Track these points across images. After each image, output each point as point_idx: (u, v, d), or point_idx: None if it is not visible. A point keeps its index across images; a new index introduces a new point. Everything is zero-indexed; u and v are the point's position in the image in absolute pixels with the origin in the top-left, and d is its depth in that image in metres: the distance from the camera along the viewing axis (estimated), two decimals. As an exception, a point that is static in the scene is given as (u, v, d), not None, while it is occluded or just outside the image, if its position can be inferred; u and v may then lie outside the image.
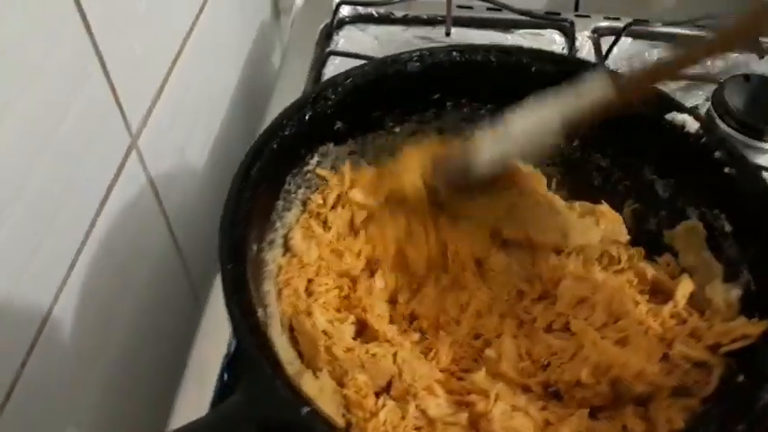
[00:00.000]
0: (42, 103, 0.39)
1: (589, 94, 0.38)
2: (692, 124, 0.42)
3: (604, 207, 0.46)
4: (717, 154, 0.40)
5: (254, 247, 0.37)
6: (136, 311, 0.57)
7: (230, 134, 0.72)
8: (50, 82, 0.39)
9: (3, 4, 0.34)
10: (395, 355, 0.37)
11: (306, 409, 0.28)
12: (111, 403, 0.54)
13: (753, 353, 0.35)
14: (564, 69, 0.44)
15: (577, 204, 0.47)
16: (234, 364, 0.49)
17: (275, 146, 0.39)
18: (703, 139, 0.41)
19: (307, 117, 0.41)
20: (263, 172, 0.38)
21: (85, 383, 0.50)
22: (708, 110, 0.65)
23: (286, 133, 0.40)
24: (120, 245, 0.52)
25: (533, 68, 0.45)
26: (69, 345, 0.47)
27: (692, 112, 0.42)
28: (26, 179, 0.38)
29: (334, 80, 0.42)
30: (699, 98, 0.67)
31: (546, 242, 0.44)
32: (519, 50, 0.45)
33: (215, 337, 0.51)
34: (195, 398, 0.47)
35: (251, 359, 0.30)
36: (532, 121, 0.40)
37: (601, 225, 0.45)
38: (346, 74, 0.43)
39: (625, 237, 0.45)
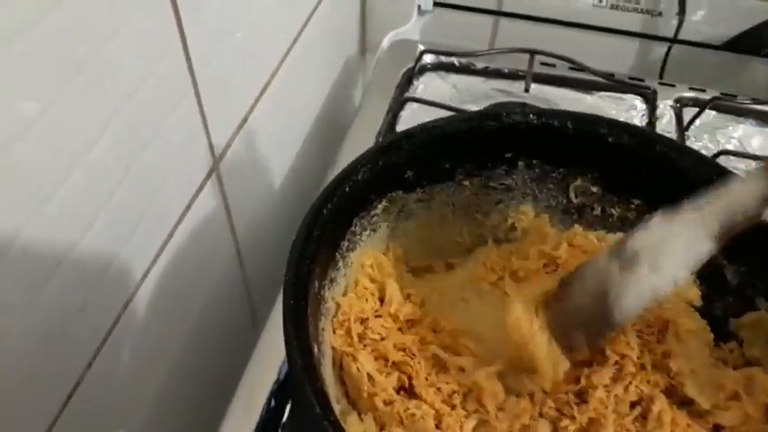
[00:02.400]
0: (136, 120, 0.42)
1: (740, 199, 0.33)
2: (768, 214, 0.41)
3: None
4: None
5: (317, 284, 0.38)
6: (196, 329, 0.59)
7: (304, 166, 0.74)
8: (145, 101, 0.42)
9: (107, 23, 0.36)
10: (439, 418, 0.38)
11: (348, 453, 0.29)
12: (161, 419, 0.56)
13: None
14: (640, 142, 0.45)
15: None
16: (282, 392, 0.50)
17: (347, 189, 0.40)
18: (780, 230, 0.40)
19: (380, 164, 0.42)
20: (333, 213, 0.39)
21: (138, 396, 0.52)
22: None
23: (359, 178, 0.41)
24: (189, 263, 0.54)
25: (610, 139, 0.45)
26: (130, 355, 0.49)
27: None
28: (112, 192, 0.41)
29: (410, 132, 0.44)
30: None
31: None
32: (596, 119, 0.45)
33: (268, 362, 0.52)
34: (242, 422, 0.48)
35: (301, 397, 0.31)
36: (683, 242, 0.34)
37: None
38: (422, 126, 0.44)
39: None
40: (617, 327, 0.37)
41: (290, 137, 0.72)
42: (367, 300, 0.43)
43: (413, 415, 0.37)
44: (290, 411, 0.47)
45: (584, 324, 0.37)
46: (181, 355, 0.57)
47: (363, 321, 0.42)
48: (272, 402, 0.49)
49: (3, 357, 0.35)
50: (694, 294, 0.45)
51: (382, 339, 0.40)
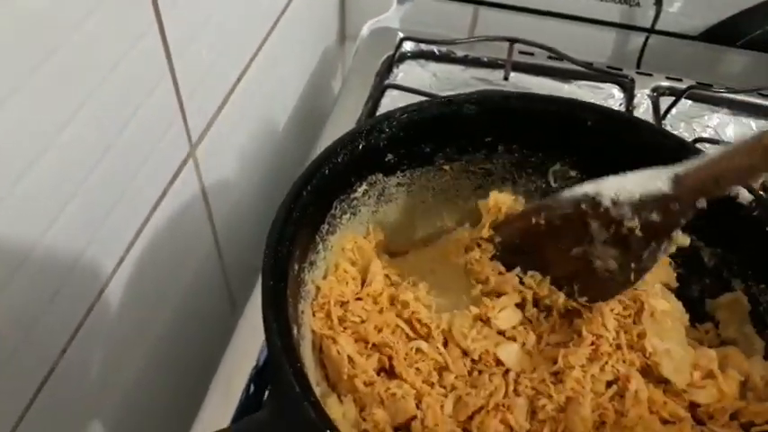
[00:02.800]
0: (112, 103, 0.41)
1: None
2: (745, 196, 0.41)
3: None
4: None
5: (296, 267, 0.38)
6: (174, 313, 0.58)
7: (284, 153, 0.74)
8: (121, 84, 0.41)
9: (81, 5, 0.36)
10: (420, 397, 0.38)
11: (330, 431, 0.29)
12: (138, 403, 0.56)
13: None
14: (619, 126, 0.45)
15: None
16: (261, 378, 0.49)
17: (327, 171, 0.40)
18: (755, 213, 0.40)
19: (360, 147, 0.42)
20: (312, 195, 0.39)
21: (114, 382, 0.52)
22: (765, 181, 0.64)
23: (338, 160, 0.41)
24: (166, 248, 0.53)
25: (589, 122, 0.45)
26: (108, 339, 0.48)
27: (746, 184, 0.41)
28: (88, 175, 0.40)
29: (390, 114, 0.43)
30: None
31: None
32: (574, 104, 0.45)
33: (246, 348, 0.52)
34: (220, 406, 0.48)
35: (281, 378, 0.30)
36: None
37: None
38: (403, 109, 0.44)
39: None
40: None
41: (269, 124, 0.71)
42: (347, 283, 0.42)
43: (393, 395, 0.37)
44: (269, 394, 0.47)
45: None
46: (158, 342, 0.57)
47: (344, 305, 0.41)
48: (251, 388, 0.49)
49: None
50: (670, 276, 0.45)
51: (363, 322, 0.40)
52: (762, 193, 0.41)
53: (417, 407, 0.37)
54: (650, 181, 0.38)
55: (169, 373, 0.60)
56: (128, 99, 0.43)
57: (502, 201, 0.46)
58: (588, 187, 0.40)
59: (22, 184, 0.35)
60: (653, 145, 0.44)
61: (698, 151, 0.42)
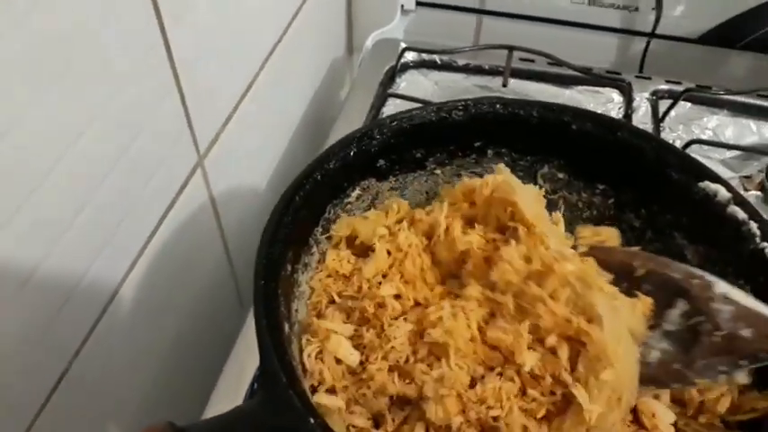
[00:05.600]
0: (121, 116, 0.43)
1: None
2: (724, 194, 0.42)
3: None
4: (745, 227, 0.41)
5: (289, 268, 0.40)
6: (185, 316, 0.61)
7: (291, 161, 0.76)
8: (130, 98, 0.44)
9: (93, 20, 0.38)
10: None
11: (313, 420, 0.31)
12: (152, 399, 0.58)
13: (760, 426, 0.35)
14: (602, 129, 0.47)
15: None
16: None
17: (319, 176, 0.42)
18: (732, 211, 0.42)
19: (352, 153, 0.44)
20: (305, 199, 0.41)
21: (131, 377, 0.54)
22: (761, 180, 0.65)
23: (331, 166, 0.43)
24: (176, 254, 0.56)
25: (574, 126, 0.47)
26: (120, 341, 0.51)
27: (724, 182, 0.42)
28: (99, 185, 0.43)
29: (381, 121, 0.46)
30: (753, 168, 0.67)
31: None
32: (560, 108, 0.47)
33: (253, 347, 0.54)
34: (228, 401, 0.50)
35: (270, 369, 0.33)
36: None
37: None
38: (393, 116, 0.46)
39: None
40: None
41: (276, 134, 0.74)
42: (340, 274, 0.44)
43: (364, 395, 0.38)
44: (259, 385, 0.49)
45: None
46: (169, 346, 0.59)
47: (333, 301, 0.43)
48: (255, 386, 0.51)
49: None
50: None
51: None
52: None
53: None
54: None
55: (182, 375, 0.63)
56: (137, 112, 0.45)
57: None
58: (710, 276, 0.38)
59: (37, 195, 0.37)
60: (635, 146, 0.45)
61: (677, 151, 0.44)
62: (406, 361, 0.39)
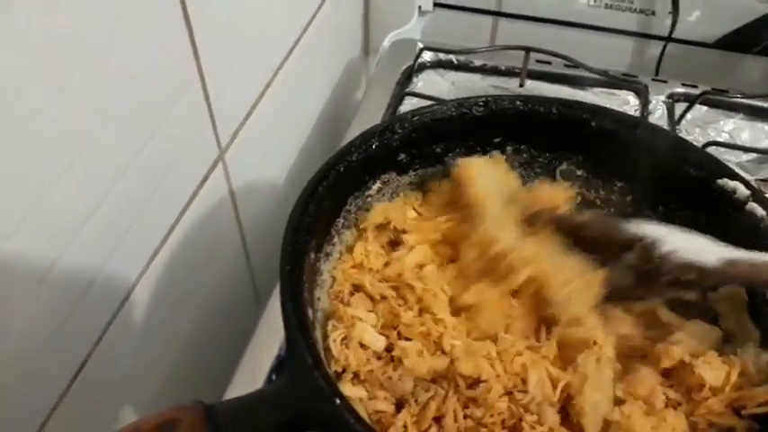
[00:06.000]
0: (144, 108, 0.44)
1: None
2: (742, 191, 0.43)
3: None
4: (763, 224, 0.41)
5: (312, 256, 0.41)
6: (202, 309, 0.62)
7: (308, 158, 0.77)
8: (153, 90, 0.44)
9: (119, 17, 0.39)
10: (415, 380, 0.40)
11: (339, 400, 0.32)
12: (169, 389, 0.59)
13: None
14: (621, 126, 0.47)
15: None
16: (282, 368, 0.52)
17: (342, 169, 0.43)
18: (753, 209, 0.42)
19: (374, 146, 0.45)
20: (328, 190, 0.42)
21: (149, 367, 0.55)
22: (778, 183, 0.65)
23: (353, 158, 0.44)
24: (196, 246, 0.57)
25: (593, 123, 0.47)
26: (139, 331, 0.51)
27: (743, 179, 0.43)
28: (121, 177, 0.44)
29: (403, 116, 0.46)
30: (769, 171, 0.67)
31: None
32: (579, 105, 0.47)
33: (269, 340, 0.55)
34: (245, 391, 0.50)
35: (295, 351, 0.33)
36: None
37: None
38: (414, 111, 0.47)
39: None
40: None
41: (294, 132, 0.75)
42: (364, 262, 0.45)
43: (390, 378, 0.39)
44: (284, 367, 0.50)
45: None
46: (186, 337, 0.60)
47: (356, 290, 0.44)
48: (273, 377, 0.52)
49: (19, 332, 0.38)
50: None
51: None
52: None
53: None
54: (705, 253, 0.40)
55: (200, 365, 0.63)
56: (159, 106, 0.46)
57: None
58: (650, 230, 0.42)
59: (60, 185, 0.38)
60: (654, 144, 0.46)
61: (695, 149, 0.44)
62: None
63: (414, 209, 0.49)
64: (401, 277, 0.43)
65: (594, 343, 0.40)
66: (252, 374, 0.53)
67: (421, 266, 0.45)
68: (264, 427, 0.32)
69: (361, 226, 0.47)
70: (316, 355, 0.33)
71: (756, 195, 0.42)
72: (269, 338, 0.55)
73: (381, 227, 0.47)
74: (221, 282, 0.64)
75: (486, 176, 0.46)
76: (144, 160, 0.46)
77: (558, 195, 0.47)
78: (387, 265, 0.45)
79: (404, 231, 0.46)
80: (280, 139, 0.70)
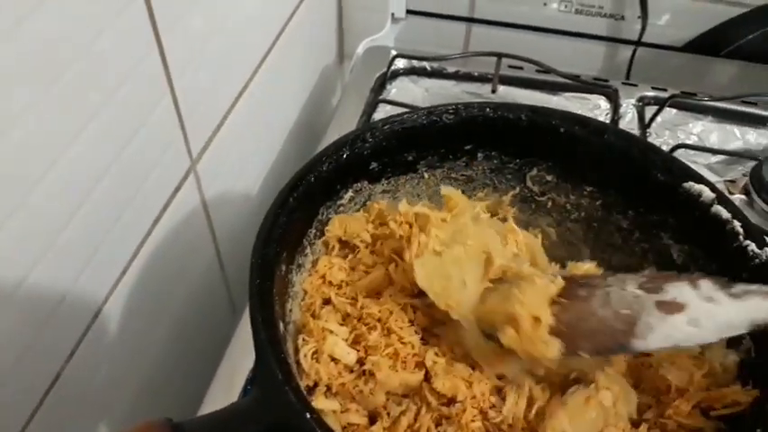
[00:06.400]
0: (115, 121, 0.44)
1: None
2: (708, 194, 0.43)
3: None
4: (729, 226, 0.42)
5: (284, 268, 0.40)
6: (177, 320, 0.61)
7: (283, 166, 0.77)
8: (124, 103, 0.44)
9: (85, 31, 0.39)
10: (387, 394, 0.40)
11: (309, 415, 0.31)
12: (144, 402, 0.58)
13: (743, 420, 0.36)
14: (589, 132, 0.48)
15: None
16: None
17: (312, 179, 0.43)
18: (716, 211, 0.43)
19: (345, 156, 0.45)
20: (299, 201, 0.42)
21: (123, 381, 0.54)
22: (745, 184, 0.66)
23: (324, 168, 0.44)
24: (169, 258, 0.56)
25: (561, 129, 0.48)
26: (112, 345, 0.51)
27: (708, 183, 0.43)
28: (92, 189, 0.43)
29: (373, 125, 0.46)
30: (737, 172, 0.68)
31: None
32: (547, 111, 0.48)
33: (245, 351, 0.54)
34: (221, 404, 0.50)
35: (266, 366, 0.33)
36: (728, 318, 0.34)
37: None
38: (385, 120, 0.47)
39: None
40: (632, 352, 0.38)
41: (268, 140, 0.74)
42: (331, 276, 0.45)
43: (361, 392, 0.39)
44: (254, 383, 0.49)
45: (593, 333, 0.37)
46: (161, 348, 0.59)
47: (327, 302, 0.44)
48: (249, 388, 0.51)
49: None
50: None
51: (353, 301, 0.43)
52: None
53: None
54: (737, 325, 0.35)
55: (175, 376, 0.63)
56: (130, 117, 0.46)
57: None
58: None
59: (28, 202, 0.37)
60: (622, 149, 0.47)
61: (662, 153, 0.45)
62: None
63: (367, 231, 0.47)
64: (356, 303, 0.43)
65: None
66: (228, 386, 0.52)
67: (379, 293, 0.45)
68: (234, 443, 0.31)
69: (323, 238, 0.46)
70: (287, 371, 0.33)
71: (721, 198, 0.43)
72: (246, 349, 0.54)
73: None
74: (195, 293, 0.63)
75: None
76: (116, 172, 0.45)
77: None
78: (345, 283, 0.45)
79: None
80: (254, 147, 0.70)
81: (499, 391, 0.39)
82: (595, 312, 0.37)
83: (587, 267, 0.47)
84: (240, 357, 0.54)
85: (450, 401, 0.38)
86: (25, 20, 0.34)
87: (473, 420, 0.37)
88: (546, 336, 0.36)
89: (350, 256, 0.46)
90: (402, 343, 0.40)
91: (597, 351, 0.37)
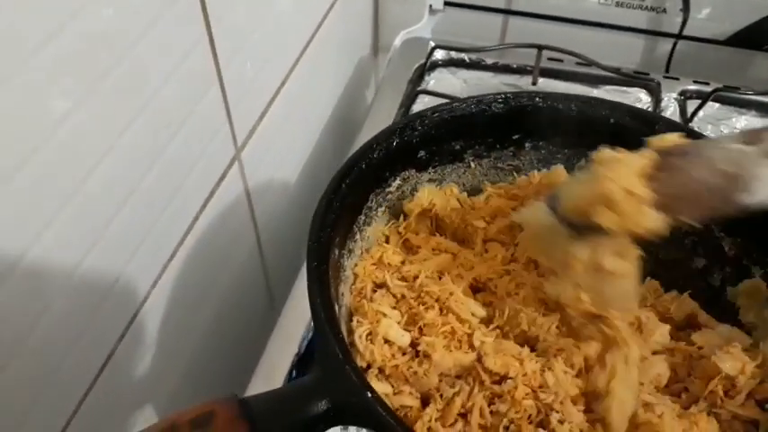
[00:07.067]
0: (166, 110, 0.44)
1: None
2: (762, 187, 0.43)
3: None
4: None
5: (336, 252, 0.41)
6: (217, 310, 0.62)
7: (320, 158, 0.78)
8: (175, 92, 0.45)
9: (140, 23, 0.40)
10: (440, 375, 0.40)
11: (370, 394, 0.32)
12: (187, 393, 0.59)
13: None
14: (640, 123, 0.47)
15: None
16: (303, 365, 0.53)
17: (363, 166, 0.43)
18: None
19: (394, 143, 0.45)
20: (350, 188, 0.42)
21: (165, 371, 0.55)
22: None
23: (374, 156, 0.44)
24: (213, 246, 0.57)
25: (611, 120, 0.47)
26: (156, 335, 0.52)
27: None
28: (143, 177, 0.44)
29: (422, 113, 0.47)
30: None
31: None
32: (598, 102, 0.48)
33: (288, 337, 0.55)
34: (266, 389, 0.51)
35: (326, 344, 0.33)
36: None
37: None
38: (434, 108, 0.47)
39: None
40: (740, 209, 0.36)
41: (307, 130, 0.75)
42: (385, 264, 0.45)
43: (415, 373, 0.40)
44: (314, 363, 0.50)
45: (696, 197, 0.36)
46: (202, 337, 0.60)
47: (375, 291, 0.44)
48: (293, 374, 0.52)
49: (42, 336, 0.38)
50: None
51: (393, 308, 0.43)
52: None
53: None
54: None
55: (216, 365, 0.64)
56: (180, 106, 0.47)
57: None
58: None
59: (88, 185, 0.38)
60: (674, 140, 0.46)
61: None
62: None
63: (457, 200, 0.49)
64: (416, 280, 0.44)
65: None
66: (271, 373, 0.53)
67: (440, 274, 0.45)
68: (298, 420, 0.32)
69: (405, 209, 0.47)
70: (345, 350, 0.33)
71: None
72: (289, 335, 0.55)
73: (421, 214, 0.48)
74: (236, 281, 0.64)
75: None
76: (166, 160, 0.46)
77: None
78: (404, 263, 0.46)
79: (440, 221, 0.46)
80: (292, 138, 0.71)
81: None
82: (695, 177, 0.36)
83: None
84: (282, 345, 0.55)
85: (502, 379, 0.39)
86: (84, 8, 0.35)
87: (525, 398, 0.38)
88: (643, 207, 0.35)
89: (420, 234, 0.48)
90: (460, 321, 0.41)
91: (701, 214, 0.36)
